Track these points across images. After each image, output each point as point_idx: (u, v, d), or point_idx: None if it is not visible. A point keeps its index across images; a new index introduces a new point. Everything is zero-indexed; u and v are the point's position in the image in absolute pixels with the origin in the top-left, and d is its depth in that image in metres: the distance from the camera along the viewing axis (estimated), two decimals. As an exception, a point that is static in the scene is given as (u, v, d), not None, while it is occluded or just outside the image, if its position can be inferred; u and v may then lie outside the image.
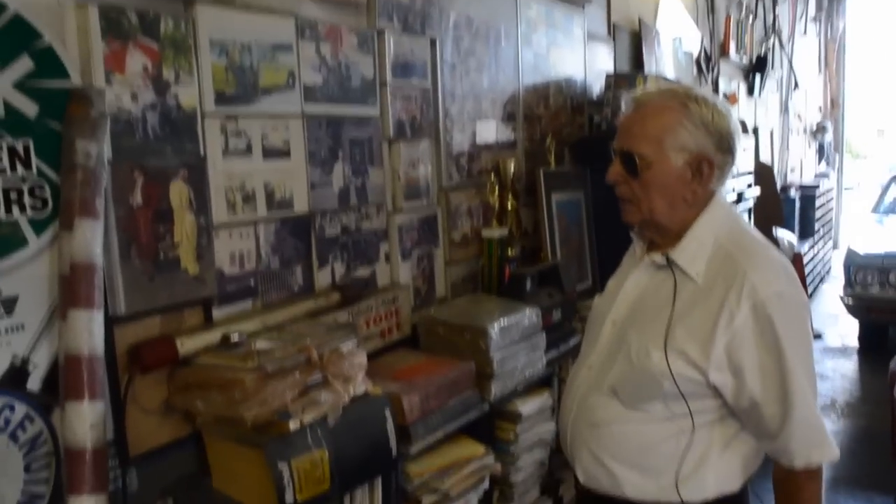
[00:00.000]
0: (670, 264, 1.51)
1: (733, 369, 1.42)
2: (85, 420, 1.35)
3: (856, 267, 5.96)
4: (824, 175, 9.63)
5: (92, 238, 1.36)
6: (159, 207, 1.55)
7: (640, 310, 1.56)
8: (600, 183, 3.00)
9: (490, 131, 2.72)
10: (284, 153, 1.86)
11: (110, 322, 1.46)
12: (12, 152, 1.32)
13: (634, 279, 1.60)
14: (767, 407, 1.43)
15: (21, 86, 1.33)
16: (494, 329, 2.08)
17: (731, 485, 1.52)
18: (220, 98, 1.68)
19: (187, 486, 1.64)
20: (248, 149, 1.76)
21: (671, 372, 1.43)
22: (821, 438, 1.46)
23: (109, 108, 1.44)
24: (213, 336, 1.61)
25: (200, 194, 1.64)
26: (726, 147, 1.50)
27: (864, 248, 6.14)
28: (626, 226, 1.63)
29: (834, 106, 10.77)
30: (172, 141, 1.58)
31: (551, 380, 2.48)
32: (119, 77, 1.47)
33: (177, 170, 1.58)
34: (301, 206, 1.92)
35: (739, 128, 1.55)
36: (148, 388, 1.56)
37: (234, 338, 1.60)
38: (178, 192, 1.59)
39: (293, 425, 1.48)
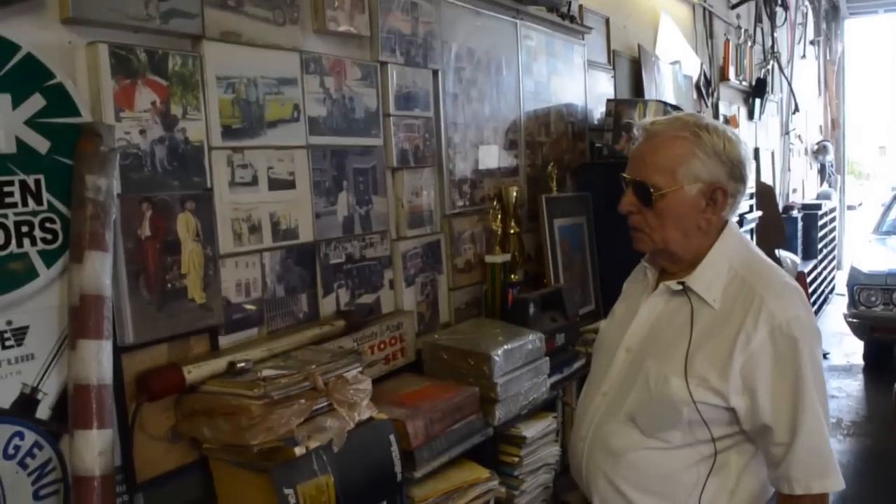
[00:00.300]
0: (687, 291, 1.52)
1: (749, 391, 1.43)
2: (93, 448, 1.36)
3: (859, 286, 5.95)
4: (826, 195, 9.64)
5: (101, 270, 1.39)
6: (167, 239, 1.58)
7: (656, 337, 1.56)
8: (602, 208, 3.07)
9: (492, 158, 2.75)
10: (290, 184, 1.89)
11: (118, 351, 1.49)
12: (24, 187, 1.36)
13: (649, 306, 1.59)
14: (777, 429, 1.43)
15: (33, 123, 1.36)
16: (498, 354, 2.09)
17: None
18: (227, 132, 1.72)
19: (194, 513, 1.65)
20: (254, 180, 1.80)
21: (693, 399, 1.43)
22: (825, 468, 1.43)
23: (119, 143, 1.47)
24: (219, 364, 1.63)
25: (207, 225, 1.67)
26: (738, 175, 1.51)
27: (867, 266, 6.13)
28: (630, 250, 1.63)
29: (834, 127, 10.82)
30: (180, 174, 1.61)
31: (555, 403, 2.48)
32: (128, 113, 1.51)
33: (184, 202, 1.62)
34: (306, 235, 1.95)
35: (751, 155, 1.57)
36: (155, 415, 1.58)
37: (241, 365, 1.62)
38: (186, 223, 1.62)
39: (299, 451, 1.49)
